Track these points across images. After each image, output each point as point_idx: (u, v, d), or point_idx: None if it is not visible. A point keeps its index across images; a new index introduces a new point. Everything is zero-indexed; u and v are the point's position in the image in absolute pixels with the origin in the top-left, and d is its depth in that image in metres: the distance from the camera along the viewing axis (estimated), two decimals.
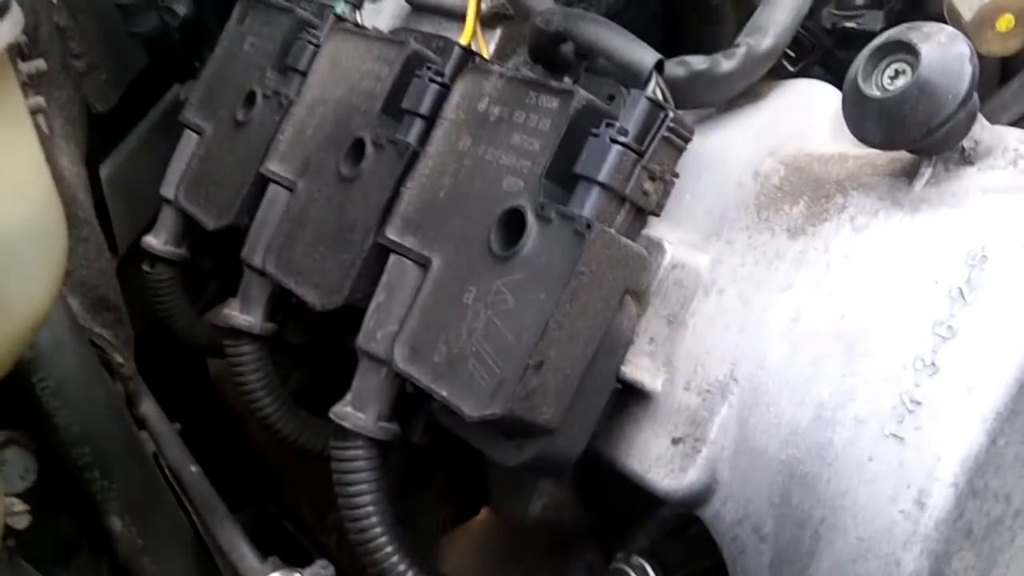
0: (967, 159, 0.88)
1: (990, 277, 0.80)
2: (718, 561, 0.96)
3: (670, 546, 1.10)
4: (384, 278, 1.01)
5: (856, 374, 0.84)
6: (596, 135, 0.88)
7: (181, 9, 1.54)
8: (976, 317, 0.79)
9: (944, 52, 0.81)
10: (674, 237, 0.98)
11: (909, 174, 0.89)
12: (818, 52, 1.25)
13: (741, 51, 1.00)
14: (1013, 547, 0.85)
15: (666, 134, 0.88)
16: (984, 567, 0.84)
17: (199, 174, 1.32)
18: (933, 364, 0.80)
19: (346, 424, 0.99)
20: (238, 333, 1.19)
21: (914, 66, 0.81)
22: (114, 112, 1.63)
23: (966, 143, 0.86)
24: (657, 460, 0.95)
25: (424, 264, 0.97)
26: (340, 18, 1.26)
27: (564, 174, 0.90)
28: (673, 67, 0.98)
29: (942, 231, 0.84)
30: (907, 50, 0.82)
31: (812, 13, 1.08)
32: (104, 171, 1.63)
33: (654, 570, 1.06)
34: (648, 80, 0.89)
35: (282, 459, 1.72)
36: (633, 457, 0.97)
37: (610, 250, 0.87)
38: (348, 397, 1.01)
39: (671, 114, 0.88)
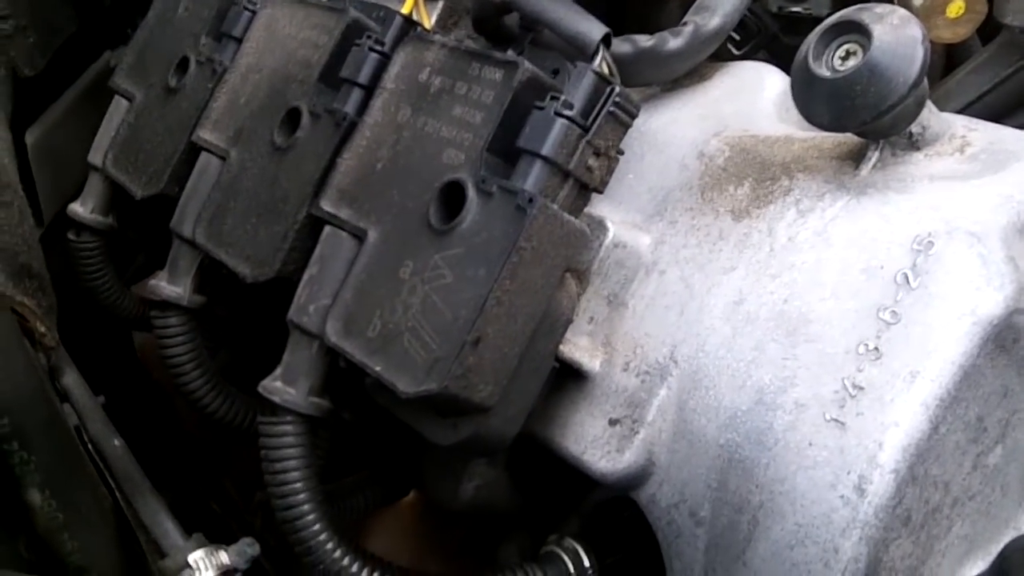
0: (914, 144, 0.87)
1: (935, 263, 0.79)
2: (652, 545, 0.95)
3: (604, 529, 1.09)
4: (318, 250, 0.97)
5: (798, 359, 0.83)
6: (540, 108, 0.86)
7: None
8: (920, 303, 0.79)
9: (896, 34, 0.80)
10: (617, 216, 0.96)
11: (856, 158, 0.88)
12: (764, 36, 1.24)
13: (688, 30, 0.98)
14: (950, 535, 0.85)
15: (612, 109, 0.86)
16: (921, 554, 0.83)
17: (128, 141, 1.27)
18: (876, 349, 0.79)
19: (275, 399, 0.95)
20: (165, 305, 1.14)
21: (866, 47, 0.80)
22: (42, 77, 1.57)
23: (914, 128, 0.86)
24: (593, 441, 0.94)
25: (360, 236, 0.94)
26: None
27: (506, 148, 0.88)
28: (619, 44, 0.96)
29: (888, 216, 0.83)
30: (859, 31, 0.81)
31: None
32: (30, 137, 1.57)
33: (587, 553, 1.05)
34: (595, 54, 0.87)
35: (208, 436, 1.68)
36: (569, 438, 0.95)
37: (552, 226, 0.85)
38: (278, 371, 0.97)
39: (617, 89, 0.86)
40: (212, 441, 1.67)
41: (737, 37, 1.25)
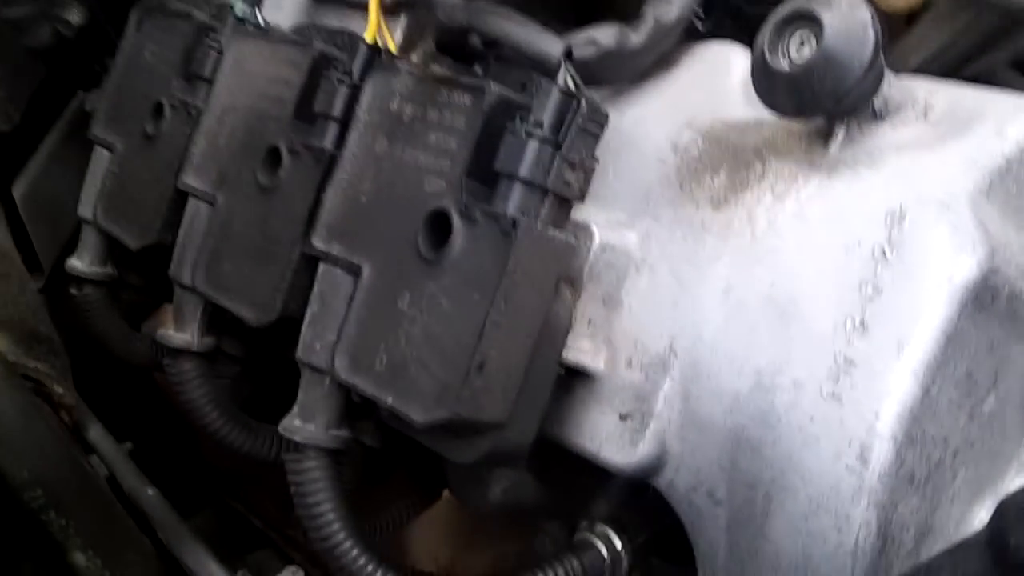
0: (879, 115, 0.89)
1: (909, 235, 0.82)
2: (678, 521, 0.99)
3: (631, 511, 1.12)
4: (316, 288, 1.00)
5: (791, 339, 0.86)
6: (512, 131, 0.88)
7: (75, 18, 1.50)
8: (899, 275, 0.81)
9: (846, 20, 0.82)
10: (601, 218, 0.98)
11: (824, 136, 0.90)
12: (727, 9, 1.25)
13: (648, 25, 0.99)
14: (955, 483, 0.88)
15: (581, 123, 0.88)
16: (929, 507, 0.87)
17: (115, 192, 1.29)
18: (863, 323, 0.82)
19: (296, 437, 0.99)
20: (176, 352, 1.17)
21: (818, 36, 0.82)
22: (19, 129, 1.59)
23: (876, 102, 0.88)
24: (607, 438, 0.96)
25: (355, 271, 0.97)
26: (241, 20, 1.23)
27: (485, 171, 0.90)
28: (582, 48, 0.97)
29: (860, 191, 0.86)
30: (810, 19, 0.83)
31: None
32: (17, 191, 1.59)
33: (619, 536, 1.08)
34: (557, 70, 0.89)
35: (241, 463, 1.71)
36: (584, 437, 0.98)
37: (539, 245, 0.87)
38: (295, 409, 1.00)
39: (584, 103, 0.88)
40: (246, 466, 1.70)
41: (700, 14, 1.25)
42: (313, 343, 0.99)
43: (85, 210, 1.34)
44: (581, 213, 0.98)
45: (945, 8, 1.09)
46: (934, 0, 1.07)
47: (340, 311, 0.97)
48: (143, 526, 1.19)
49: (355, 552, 0.98)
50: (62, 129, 1.66)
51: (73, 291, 1.34)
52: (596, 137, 0.90)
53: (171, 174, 1.21)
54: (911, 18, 1.15)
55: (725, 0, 1.21)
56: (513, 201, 0.87)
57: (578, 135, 0.88)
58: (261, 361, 1.26)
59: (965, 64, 1.08)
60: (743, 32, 1.10)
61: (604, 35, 0.99)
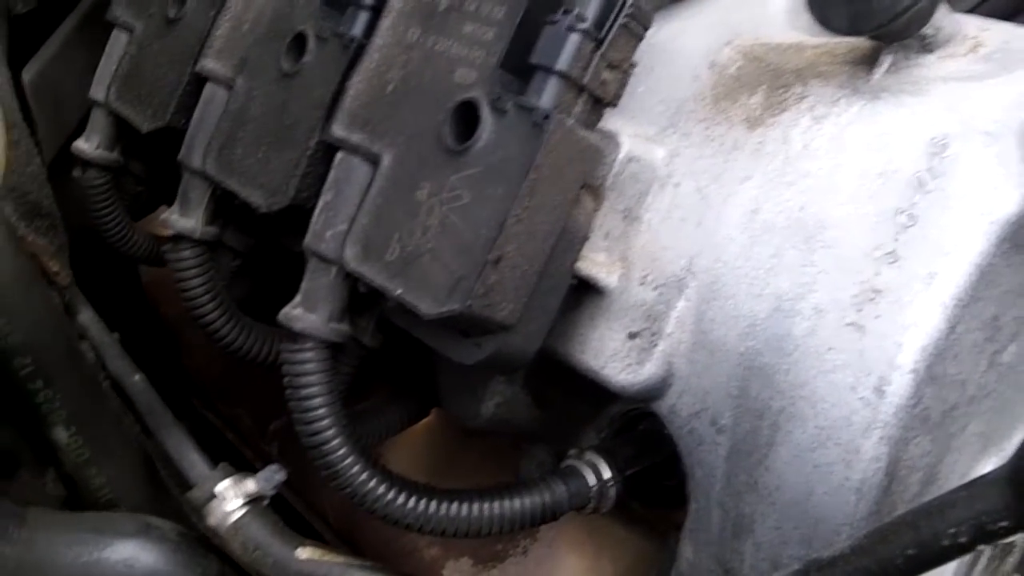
0: (927, 47, 0.87)
1: (950, 164, 0.80)
2: (669, 456, 0.97)
3: (622, 442, 1.10)
4: (331, 176, 0.97)
5: (816, 264, 0.84)
6: (553, 23, 0.85)
7: None
8: (936, 204, 0.79)
9: None
10: (629, 130, 0.96)
11: (869, 62, 0.88)
12: None
13: None
14: (965, 433, 0.87)
15: (625, 21, 0.86)
16: (938, 452, 0.85)
17: (131, 74, 1.26)
18: (894, 252, 0.80)
19: (295, 326, 0.96)
20: (178, 238, 1.14)
21: None
22: (36, 12, 1.56)
23: (927, 30, 0.85)
24: (613, 355, 0.94)
25: (373, 160, 0.94)
26: None
27: (520, 64, 0.87)
28: None
29: (903, 119, 0.83)
30: None
31: None
32: (27, 75, 1.55)
33: (608, 467, 1.06)
34: None
35: (220, 369, 1.69)
36: (588, 353, 0.96)
37: (568, 142, 0.85)
38: (297, 299, 0.98)
39: (629, 0, 0.86)
40: (225, 373, 1.69)
41: None
42: (323, 231, 0.96)
43: (97, 92, 1.31)
44: (610, 123, 0.95)
45: None
46: None
47: (354, 200, 0.95)
48: (127, 414, 1.17)
49: (344, 450, 0.96)
50: (79, 17, 1.63)
51: (76, 173, 1.31)
52: (638, 39, 0.88)
53: (190, 58, 1.18)
54: None
55: None
56: (547, 95, 0.85)
57: (620, 34, 0.86)
58: (262, 258, 1.24)
59: (1018, 15, 1.07)
60: None
61: None
